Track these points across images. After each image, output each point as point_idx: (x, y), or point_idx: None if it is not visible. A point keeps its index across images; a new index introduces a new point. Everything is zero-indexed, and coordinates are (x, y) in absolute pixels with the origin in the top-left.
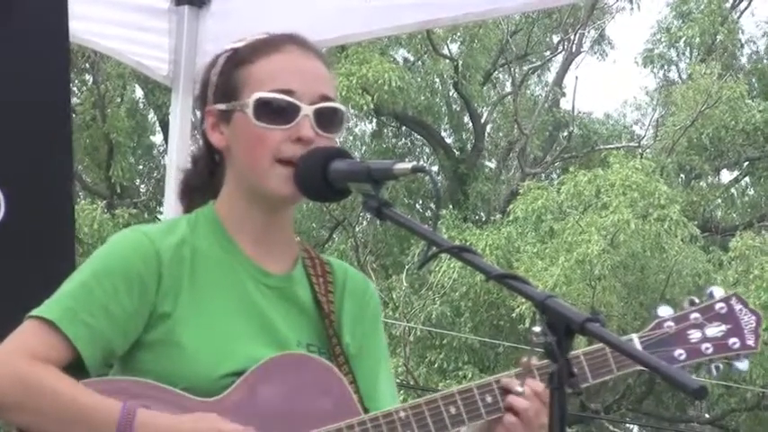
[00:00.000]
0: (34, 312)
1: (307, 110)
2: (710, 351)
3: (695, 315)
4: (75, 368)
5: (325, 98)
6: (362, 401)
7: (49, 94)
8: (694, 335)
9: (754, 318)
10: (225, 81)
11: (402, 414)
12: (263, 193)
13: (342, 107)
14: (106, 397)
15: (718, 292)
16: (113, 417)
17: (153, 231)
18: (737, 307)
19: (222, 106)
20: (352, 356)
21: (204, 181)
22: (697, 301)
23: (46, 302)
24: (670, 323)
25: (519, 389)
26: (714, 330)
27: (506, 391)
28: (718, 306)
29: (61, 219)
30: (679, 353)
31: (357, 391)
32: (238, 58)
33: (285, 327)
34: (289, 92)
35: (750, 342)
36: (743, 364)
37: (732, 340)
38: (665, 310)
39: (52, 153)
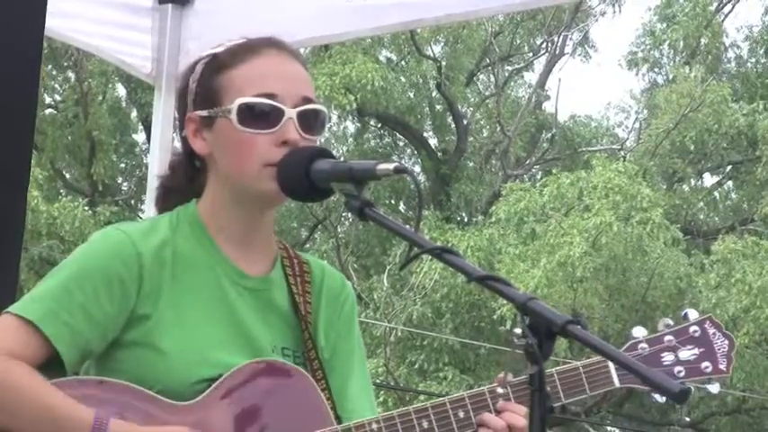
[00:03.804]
0: (14, 310)
1: (290, 113)
2: (683, 374)
3: (669, 337)
4: (52, 365)
5: (307, 100)
6: (335, 407)
7: (16, 94)
8: (667, 357)
9: (726, 342)
10: (205, 87)
11: (374, 426)
12: (252, 196)
13: (323, 108)
14: (81, 404)
15: (693, 314)
16: (86, 426)
17: (135, 232)
18: (711, 330)
19: (204, 112)
20: (325, 360)
21: (183, 187)
22: (672, 323)
23: (25, 300)
24: (644, 345)
25: (500, 390)
26: (687, 354)
27: (501, 410)
28: (692, 329)
29: (10, 224)
30: None
31: (330, 396)
32: (218, 64)
33: (261, 331)
34: (271, 95)
35: (722, 366)
36: (714, 387)
37: (705, 364)
38: (639, 332)
39: (10, 153)
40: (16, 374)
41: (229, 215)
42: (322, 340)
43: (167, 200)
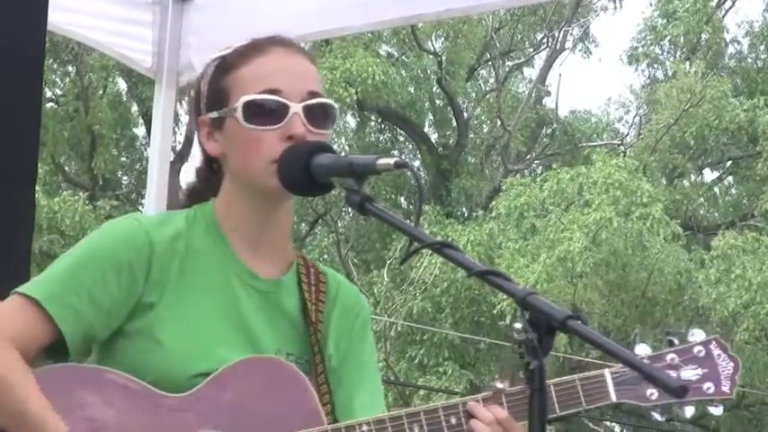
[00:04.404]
0: (20, 289)
1: (296, 107)
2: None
3: (672, 356)
4: (56, 347)
5: (313, 94)
6: (334, 412)
7: (20, 91)
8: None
9: (732, 364)
10: (214, 89)
11: (365, 428)
12: (262, 192)
13: (331, 102)
14: (55, 418)
15: (699, 335)
16: None
17: (149, 221)
18: (716, 352)
19: (214, 114)
20: (332, 369)
21: (203, 189)
22: (677, 342)
23: (33, 281)
24: (646, 362)
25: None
26: (690, 373)
27: (471, 414)
28: (696, 349)
29: (20, 219)
30: (650, 392)
31: (330, 401)
32: (225, 66)
33: (267, 333)
34: (276, 91)
35: (725, 388)
36: (717, 410)
37: (707, 385)
38: (642, 349)
39: (17, 151)
40: (5, 367)
41: (242, 215)
42: (331, 349)
43: (192, 203)
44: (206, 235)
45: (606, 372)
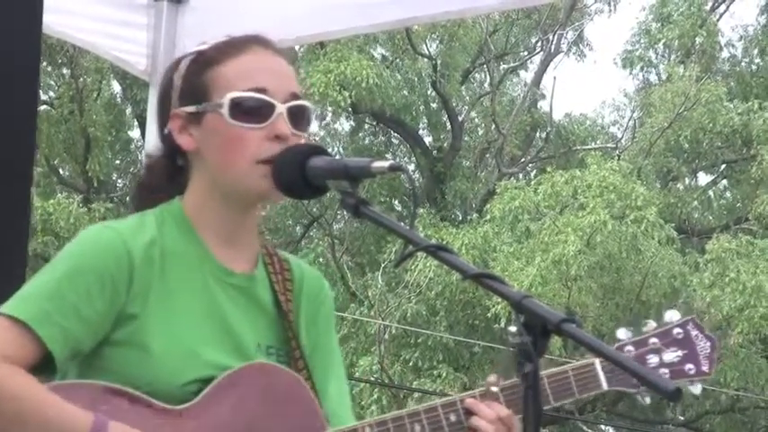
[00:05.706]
0: (5, 310)
1: (281, 108)
2: (667, 376)
3: (653, 340)
4: (42, 364)
5: (296, 96)
6: (321, 406)
7: (16, 93)
8: (652, 360)
9: (709, 343)
10: (192, 83)
11: (368, 430)
12: (240, 193)
13: (310, 105)
14: (79, 409)
15: (675, 315)
16: (85, 429)
17: (124, 229)
18: (693, 333)
19: (191, 108)
20: (307, 357)
21: (163, 185)
22: (655, 324)
23: (16, 299)
24: (630, 347)
25: (494, 389)
26: (671, 356)
27: (470, 412)
28: (675, 331)
29: (16, 221)
30: None
31: (315, 395)
32: (205, 60)
33: (246, 329)
34: (262, 90)
35: (704, 368)
36: (695, 388)
37: (688, 366)
38: (624, 333)
39: (14, 151)
40: (13, 382)
41: (216, 213)
42: (303, 338)
43: (145, 198)
44: (179, 235)
45: (596, 360)
